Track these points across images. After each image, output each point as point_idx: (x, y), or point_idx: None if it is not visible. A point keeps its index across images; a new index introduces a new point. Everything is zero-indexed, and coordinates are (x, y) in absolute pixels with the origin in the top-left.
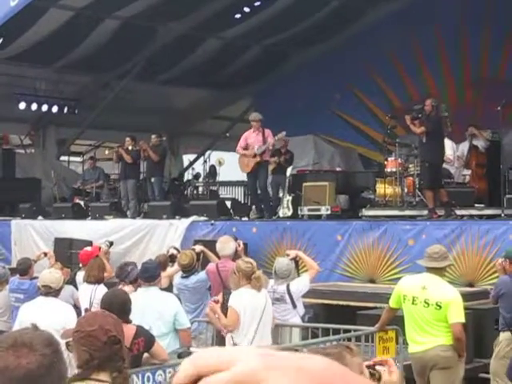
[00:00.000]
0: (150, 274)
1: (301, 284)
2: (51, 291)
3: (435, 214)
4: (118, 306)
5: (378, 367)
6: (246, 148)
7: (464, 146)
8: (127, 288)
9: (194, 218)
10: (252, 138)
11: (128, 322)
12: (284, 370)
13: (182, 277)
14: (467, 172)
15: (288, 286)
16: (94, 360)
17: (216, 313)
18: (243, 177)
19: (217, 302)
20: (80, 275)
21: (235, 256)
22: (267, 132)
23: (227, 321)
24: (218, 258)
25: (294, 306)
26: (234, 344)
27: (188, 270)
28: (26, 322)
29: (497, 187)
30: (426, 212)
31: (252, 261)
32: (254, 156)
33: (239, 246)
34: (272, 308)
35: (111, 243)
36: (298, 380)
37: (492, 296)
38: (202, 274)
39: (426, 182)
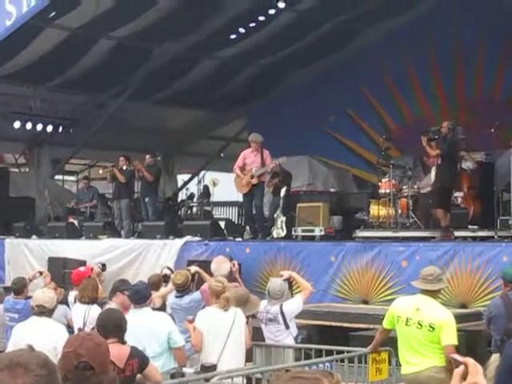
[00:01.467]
0: (140, 295)
1: (294, 305)
2: (45, 311)
3: (449, 234)
4: (113, 326)
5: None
6: (243, 167)
7: None
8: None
9: (187, 238)
10: (250, 158)
11: (123, 342)
12: None
13: (176, 296)
14: (459, 194)
15: (281, 307)
16: (67, 381)
17: (190, 333)
18: (237, 197)
19: (191, 321)
20: (72, 295)
21: (230, 276)
22: (266, 153)
23: (193, 341)
24: (212, 277)
25: (287, 327)
26: (202, 364)
27: (182, 290)
28: (20, 342)
29: (490, 209)
30: (420, 233)
31: (224, 280)
32: (252, 177)
33: (234, 266)
34: (244, 328)
35: (104, 265)
36: None
37: (485, 316)
38: (196, 295)
39: (435, 202)
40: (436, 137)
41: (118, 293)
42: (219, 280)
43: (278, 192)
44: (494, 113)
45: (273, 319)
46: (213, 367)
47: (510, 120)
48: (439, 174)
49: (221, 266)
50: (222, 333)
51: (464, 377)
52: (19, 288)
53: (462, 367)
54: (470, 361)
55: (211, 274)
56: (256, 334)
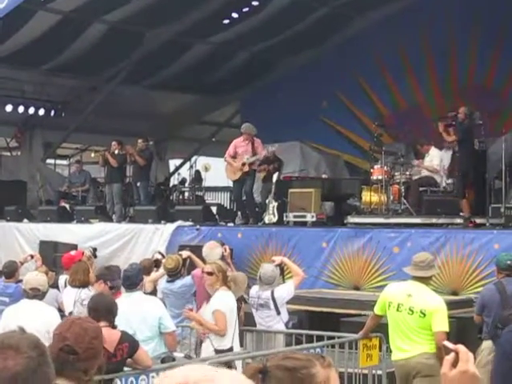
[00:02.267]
0: (131, 281)
1: (285, 291)
2: (38, 294)
3: (471, 223)
4: (104, 309)
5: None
6: (234, 156)
7: (447, 155)
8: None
9: (179, 222)
10: (242, 147)
11: (113, 326)
12: None
13: (168, 281)
14: (451, 181)
15: (272, 293)
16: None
17: (198, 320)
18: (229, 183)
19: (191, 309)
20: (62, 279)
21: (221, 261)
22: (257, 142)
23: (219, 325)
24: (204, 263)
25: (278, 313)
26: (215, 349)
27: (173, 275)
28: (11, 325)
29: (482, 196)
30: (412, 220)
31: (222, 263)
32: (243, 165)
33: (226, 251)
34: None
35: (95, 250)
36: None
37: (477, 303)
38: (187, 279)
39: (458, 191)
40: (453, 122)
41: (100, 281)
42: (217, 263)
43: (269, 178)
44: (487, 100)
45: (264, 305)
46: (229, 350)
47: (502, 108)
48: (458, 161)
49: (212, 251)
50: (233, 316)
51: (454, 364)
52: (10, 272)
53: (452, 354)
54: (461, 348)
55: (203, 259)
56: (247, 320)
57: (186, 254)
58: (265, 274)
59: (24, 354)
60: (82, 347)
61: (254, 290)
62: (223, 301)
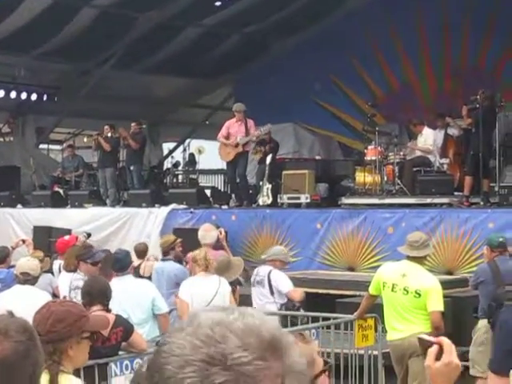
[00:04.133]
0: (121, 264)
1: (282, 280)
2: (29, 278)
3: (466, 202)
4: (98, 292)
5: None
6: (227, 137)
7: (440, 135)
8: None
9: (173, 206)
10: (234, 127)
11: (108, 310)
12: None
13: (162, 259)
14: (445, 161)
15: (270, 272)
16: None
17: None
18: (223, 165)
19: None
20: (56, 264)
21: (217, 244)
22: (250, 122)
23: (179, 311)
24: (197, 245)
25: (272, 293)
26: None
27: (166, 253)
28: (2, 310)
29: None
30: (406, 200)
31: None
32: (236, 146)
33: (221, 233)
34: (229, 299)
35: (89, 235)
36: None
37: (471, 282)
38: (182, 267)
39: (467, 168)
40: (477, 105)
41: (81, 262)
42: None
43: (263, 160)
44: (479, 81)
45: (260, 282)
46: None
47: (495, 88)
48: (472, 141)
49: (208, 233)
50: (203, 301)
51: (438, 357)
52: (2, 257)
53: (435, 347)
54: (444, 340)
55: (198, 242)
56: (243, 302)
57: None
58: (270, 252)
59: (13, 338)
60: (43, 329)
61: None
62: (186, 288)
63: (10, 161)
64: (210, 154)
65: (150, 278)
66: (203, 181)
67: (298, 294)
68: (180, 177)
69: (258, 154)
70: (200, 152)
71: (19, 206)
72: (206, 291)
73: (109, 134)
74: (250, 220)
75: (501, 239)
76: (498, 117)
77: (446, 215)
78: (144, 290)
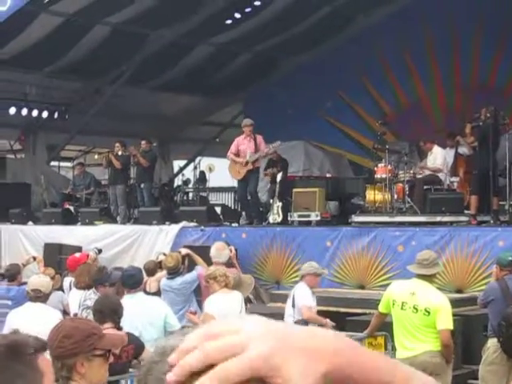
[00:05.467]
0: (134, 280)
1: (305, 295)
2: (40, 295)
3: (474, 220)
4: (110, 311)
5: None
6: (237, 154)
7: (450, 153)
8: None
9: (183, 223)
10: (244, 144)
11: (119, 328)
12: (297, 353)
13: (168, 278)
14: (455, 179)
15: (296, 287)
16: None
17: (195, 323)
18: (233, 183)
19: (193, 313)
20: (67, 281)
21: (227, 262)
22: (259, 138)
23: None
24: (208, 263)
25: (293, 306)
26: None
27: (174, 273)
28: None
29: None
30: (416, 218)
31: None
32: (246, 163)
33: (231, 251)
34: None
35: (100, 250)
36: (312, 363)
37: (479, 301)
38: (187, 276)
39: (471, 187)
40: (480, 123)
41: (99, 286)
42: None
43: (274, 178)
44: (489, 99)
45: (290, 295)
46: None
47: (505, 107)
48: (475, 159)
49: (221, 252)
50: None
51: None
52: (13, 274)
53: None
54: None
55: (209, 260)
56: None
57: (184, 251)
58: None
59: None
60: (52, 345)
61: None
62: (211, 303)
63: (21, 178)
64: (220, 172)
65: (156, 293)
66: (213, 198)
67: (308, 313)
68: (190, 194)
69: (268, 176)
70: (210, 170)
71: (30, 223)
72: (233, 307)
73: (119, 152)
74: (260, 238)
75: (510, 258)
76: (509, 135)
77: (455, 233)
78: (156, 308)
